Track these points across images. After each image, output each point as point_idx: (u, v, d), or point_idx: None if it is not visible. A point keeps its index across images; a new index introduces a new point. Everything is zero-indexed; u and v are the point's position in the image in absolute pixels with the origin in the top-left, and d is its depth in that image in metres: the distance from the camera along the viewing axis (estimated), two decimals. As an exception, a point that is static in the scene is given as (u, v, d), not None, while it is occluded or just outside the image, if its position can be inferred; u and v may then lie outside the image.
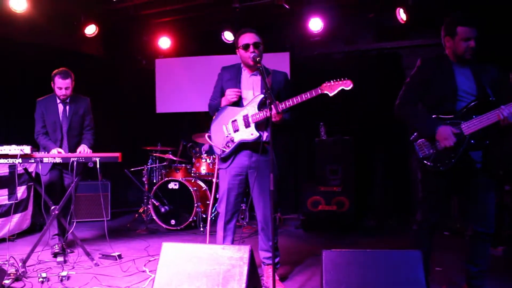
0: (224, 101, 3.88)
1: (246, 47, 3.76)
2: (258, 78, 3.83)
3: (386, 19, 6.77)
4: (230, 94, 3.81)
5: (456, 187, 3.32)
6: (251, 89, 3.86)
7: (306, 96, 3.58)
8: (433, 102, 3.32)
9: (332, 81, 3.59)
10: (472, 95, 3.25)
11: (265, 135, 3.76)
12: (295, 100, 3.60)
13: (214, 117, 3.99)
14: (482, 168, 3.25)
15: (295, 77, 7.14)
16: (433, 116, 3.28)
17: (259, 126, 3.76)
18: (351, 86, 3.58)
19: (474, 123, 3.15)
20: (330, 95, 3.59)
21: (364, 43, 7.37)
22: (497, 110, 3.08)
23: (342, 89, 3.59)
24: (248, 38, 3.78)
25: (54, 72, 4.93)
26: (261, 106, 3.74)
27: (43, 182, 4.87)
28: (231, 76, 3.90)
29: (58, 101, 5.00)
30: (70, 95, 4.97)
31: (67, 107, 5.01)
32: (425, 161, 3.30)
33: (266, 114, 3.63)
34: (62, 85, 4.89)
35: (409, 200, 6.79)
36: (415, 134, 3.38)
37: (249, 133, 3.77)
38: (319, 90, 3.59)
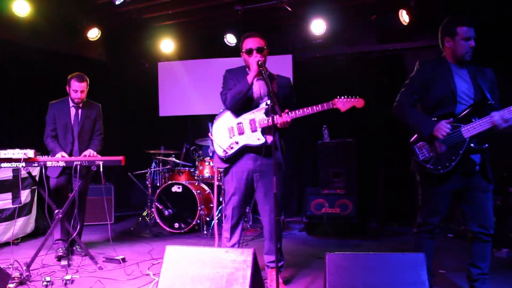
0: (252, 71, 3.72)
1: (249, 52, 3.77)
2: (263, 82, 3.81)
3: (388, 21, 6.76)
4: (256, 58, 3.71)
5: (456, 189, 3.31)
6: (259, 93, 3.86)
7: (317, 108, 3.62)
8: (432, 104, 3.33)
9: (344, 97, 3.62)
10: (470, 98, 3.26)
11: (270, 139, 3.75)
12: (306, 111, 3.63)
13: (217, 116, 3.99)
14: (480, 170, 3.25)
15: (298, 80, 7.14)
16: (433, 119, 3.28)
17: (265, 131, 3.77)
18: (363, 105, 3.61)
19: (474, 126, 3.17)
20: (342, 111, 3.63)
21: (367, 45, 7.36)
22: (488, 117, 3.13)
23: (354, 107, 3.61)
24: (252, 42, 3.78)
25: (70, 75, 4.99)
26: (269, 111, 3.74)
27: (52, 186, 4.89)
28: (240, 78, 3.84)
29: (71, 104, 5.04)
30: (84, 99, 5.03)
31: (79, 111, 5.05)
32: (425, 164, 3.30)
33: (273, 120, 3.61)
34: (78, 88, 4.94)
35: (413, 203, 6.77)
36: (415, 136, 3.38)
37: (256, 138, 3.78)
38: (331, 105, 3.63)
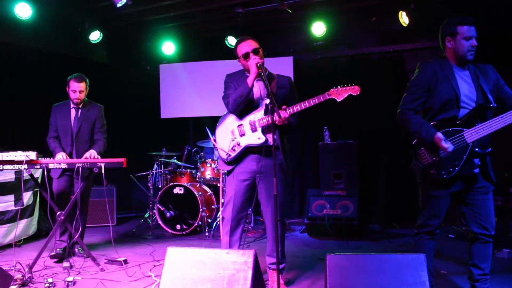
0: (252, 74, 3.72)
1: (246, 56, 3.79)
2: (263, 83, 3.82)
3: (388, 22, 6.80)
4: (255, 60, 3.71)
5: (456, 192, 3.29)
6: (259, 94, 3.88)
7: (314, 101, 3.61)
8: (435, 107, 3.28)
9: (339, 87, 3.62)
10: (473, 101, 3.22)
11: (271, 139, 3.75)
12: (302, 105, 3.64)
13: (219, 121, 4.02)
14: (480, 171, 3.23)
15: (298, 81, 7.14)
16: (433, 123, 3.25)
17: (266, 130, 3.79)
18: (359, 92, 3.61)
19: (477, 130, 3.13)
20: (338, 100, 3.63)
21: (367, 47, 7.38)
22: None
23: (350, 95, 3.62)
24: (246, 46, 3.80)
25: (69, 76, 5.01)
26: (267, 111, 3.76)
27: (54, 188, 4.91)
28: (240, 81, 3.86)
29: (72, 106, 5.06)
30: (83, 99, 5.04)
31: (79, 112, 5.06)
32: (428, 169, 3.26)
33: (272, 119, 3.63)
34: (76, 88, 4.96)
35: (414, 204, 6.78)
36: (415, 140, 3.34)
37: (256, 138, 3.79)
38: (327, 96, 3.63)
